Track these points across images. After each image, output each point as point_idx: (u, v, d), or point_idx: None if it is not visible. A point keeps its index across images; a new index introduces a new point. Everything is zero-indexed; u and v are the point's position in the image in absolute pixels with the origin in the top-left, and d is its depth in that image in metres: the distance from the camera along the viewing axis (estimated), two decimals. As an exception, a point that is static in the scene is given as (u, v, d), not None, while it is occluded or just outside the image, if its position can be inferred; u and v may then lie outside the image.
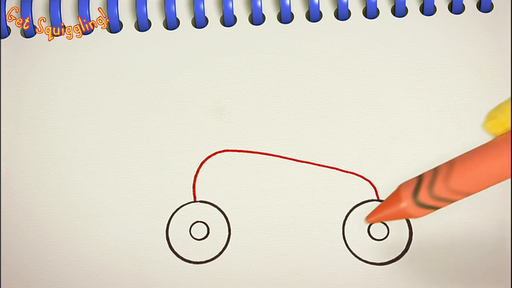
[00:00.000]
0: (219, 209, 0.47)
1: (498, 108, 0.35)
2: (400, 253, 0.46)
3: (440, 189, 0.37)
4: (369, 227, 0.47)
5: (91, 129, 0.49)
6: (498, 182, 0.36)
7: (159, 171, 0.48)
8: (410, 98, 0.48)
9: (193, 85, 0.49)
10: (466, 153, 0.37)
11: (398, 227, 0.47)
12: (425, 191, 0.37)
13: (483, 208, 0.47)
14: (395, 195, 0.39)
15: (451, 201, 0.37)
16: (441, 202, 0.37)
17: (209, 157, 0.48)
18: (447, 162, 0.37)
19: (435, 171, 0.37)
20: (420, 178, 0.38)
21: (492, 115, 0.36)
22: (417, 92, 0.49)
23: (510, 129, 0.36)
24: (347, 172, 0.47)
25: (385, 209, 0.39)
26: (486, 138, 0.37)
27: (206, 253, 0.47)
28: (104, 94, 0.49)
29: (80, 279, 0.46)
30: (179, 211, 0.47)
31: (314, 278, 0.46)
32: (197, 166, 0.48)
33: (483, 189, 0.36)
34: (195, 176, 0.48)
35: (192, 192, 0.47)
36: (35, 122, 0.49)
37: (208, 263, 0.47)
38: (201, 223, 0.47)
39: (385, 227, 0.47)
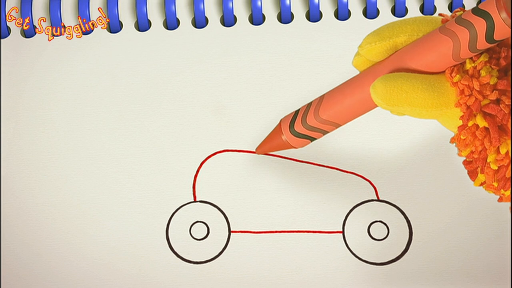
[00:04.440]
0: (219, 209, 0.47)
1: (361, 46, 0.38)
2: (400, 253, 0.46)
3: (311, 119, 0.40)
4: (369, 227, 0.47)
5: (91, 129, 0.49)
6: (361, 113, 0.39)
7: (159, 171, 0.48)
8: (410, 98, 0.48)
9: (193, 85, 0.49)
10: (336, 87, 0.40)
11: (398, 227, 0.47)
12: (299, 122, 0.41)
13: (482, 208, 0.46)
14: (277, 128, 0.43)
15: (322, 131, 0.41)
16: (314, 131, 0.41)
17: (209, 157, 0.48)
18: (319, 97, 0.40)
19: (309, 104, 0.41)
20: (297, 112, 0.41)
21: (357, 52, 0.38)
22: (417, 92, 0.48)
23: (371, 65, 0.38)
24: (347, 172, 0.47)
25: (269, 142, 0.43)
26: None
27: (206, 253, 0.47)
28: (104, 94, 0.49)
29: (80, 279, 0.46)
30: (179, 211, 0.47)
31: (314, 278, 0.46)
32: (197, 166, 0.48)
33: (350, 119, 0.39)
34: (195, 176, 0.48)
35: (192, 192, 0.47)
36: (35, 122, 0.49)
37: (208, 263, 0.47)
38: (201, 223, 0.47)
39: (385, 227, 0.47)
